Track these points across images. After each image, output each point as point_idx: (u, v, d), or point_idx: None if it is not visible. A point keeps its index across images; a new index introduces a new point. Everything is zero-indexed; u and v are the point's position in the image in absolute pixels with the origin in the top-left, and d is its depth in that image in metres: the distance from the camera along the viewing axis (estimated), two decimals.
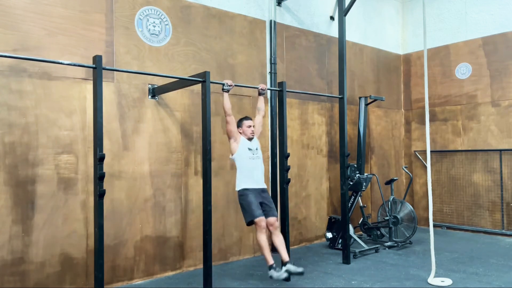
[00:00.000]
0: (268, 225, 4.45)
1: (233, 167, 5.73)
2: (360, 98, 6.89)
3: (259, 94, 4.88)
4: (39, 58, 3.80)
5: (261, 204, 4.50)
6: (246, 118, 4.74)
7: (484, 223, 7.33)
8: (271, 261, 4.34)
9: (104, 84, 3.75)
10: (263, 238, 4.35)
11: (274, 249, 4.61)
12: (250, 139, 4.64)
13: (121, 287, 4.70)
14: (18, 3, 4.17)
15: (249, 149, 4.57)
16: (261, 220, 4.37)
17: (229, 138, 4.57)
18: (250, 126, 4.66)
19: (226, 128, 4.54)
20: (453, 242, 6.74)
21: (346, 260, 5.53)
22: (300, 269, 4.29)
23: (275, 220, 4.51)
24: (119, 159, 4.76)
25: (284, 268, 4.31)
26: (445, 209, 7.84)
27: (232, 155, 4.60)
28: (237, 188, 4.56)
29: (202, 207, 4.20)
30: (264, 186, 4.64)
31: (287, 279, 4.35)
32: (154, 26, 5.09)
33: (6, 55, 3.40)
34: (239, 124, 4.69)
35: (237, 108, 5.64)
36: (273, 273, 4.30)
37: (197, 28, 5.48)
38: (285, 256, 4.39)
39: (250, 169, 4.54)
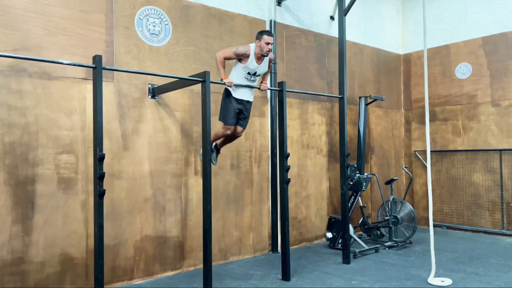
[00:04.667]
0: (234, 131, 4.77)
1: (233, 167, 5.75)
2: (360, 98, 6.89)
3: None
4: (39, 58, 3.80)
5: (239, 111, 4.66)
6: (268, 32, 4.50)
7: (484, 223, 7.33)
8: (213, 144, 4.91)
9: (104, 84, 3.75)
10: (220, 135, 4.77)
11: None
12: (260, 57, 4.52)
13: (121, 287, 4.70)
14: (18, 3, 4.16)
15: (249, 73, 4.56)
16: (227, 128, 4.68)
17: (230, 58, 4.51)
18: (269, 43, 4.45)
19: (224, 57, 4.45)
20: (453, 242, 6.73)
21: (346, 260, 5.53)
22: (216, 163, 5.08)
23: (242, 131, 4.86)
24: (119, 159, 4.76)
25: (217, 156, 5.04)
26: (445, 209, 7.83)
27: (231, 60, 4.55)
28: (225, 75, 4.54)
29: (202, 207, 4.20)
30: (251, 98, 4.73)
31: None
32: (154, 26, 5.09)
33: (6, 55, 3.40)
34: (259, 36, 4.48)
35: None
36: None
37: (197, 28, 5.48)
38: (221, 146, 5.04)
39: (241, 85, 4.58)
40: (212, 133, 4.74)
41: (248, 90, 4.68)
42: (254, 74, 4.62)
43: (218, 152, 5.05)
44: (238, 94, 4.60)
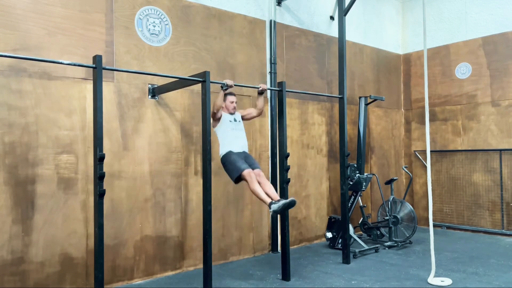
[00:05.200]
0: (255, 177, 4.48)
1: None
2: (360, 98, 6.89)
3: (259, 93, 4.91)
4: (39, 58, 3.80)
5: (244, 158, 4.62)
6: (230, 93, 4.82)
7: (484, 223, 7.33)
8: (268, 200, 4.37)
9: (104, 84, 3.75)
10: (256, 186, 4.38)
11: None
12: (231, 114, 4.78)
13: (121, 287, 4.70)
14: (18, 3, 4.16)
15: (230, 121, 4.71)
16: (249, 171, 4.42)
17: (213, 118, 4.60)
18: (233, 102, 4.79)
19: (212, 113, 4.46)
20: (453, 242, 6.74)
21: (346, 260, 5.53)
22: (291, 199, 4.30)
23: (260, 171, 4.58)
24: (119, 159, 4.76)
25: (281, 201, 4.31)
26: (445, 209, 7.84)
27: (214, 127, 4.67)
28: (220, 154, 4.66)
29: (202, 207, 4.20)
30: (246, 151, 4.74)
31: (290, 204, 4.27)
32: (154, 26, 5.09)
33: (6, 55, 3.40)
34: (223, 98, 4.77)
35: (237, 108, 5.62)
36: (274, 206, 4.29)
37: (197, 28, 5.48)
38: (276, 197, 4.43)
39: (232, 138, 4.65)
40: (254, 194, 4.45)
41: (242, 140, 4.74)
42: (235, 120, 4.79)
43: (282, 200, 4.34)
44: (236, 146, 4.64)
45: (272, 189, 4.54)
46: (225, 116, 4.71)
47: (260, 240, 6.08)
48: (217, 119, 4.67)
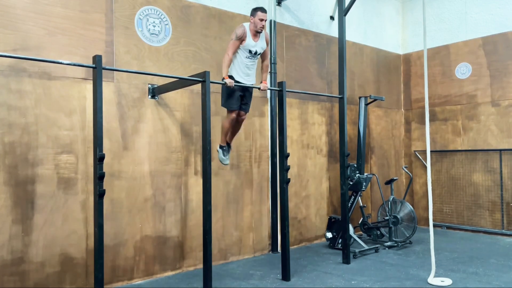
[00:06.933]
0: (238, 115, 4.85)
1: (232, 167, 5.75)
2: (360, 98, 6.89)
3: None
4: (39, 58, 3.80)
5: (241, 96, 4.78)
6: (262, 9, 4.64)
7: (484, 223, 7.33)
8: (224, 142, 5.01)
9: (104, 84, 3.75)
10: (227, 124, 4.85)
11: None
12: (256, 34, 4.64)
13: (121, 287, 4.70)
14: (18, 3, 4.16)
15: (250, 51, 4.65)
16: (235, 114, 4.80)
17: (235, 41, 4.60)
18: (262, 20, 4.60)
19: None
20: (453, 242, 6.74)
21: (346, 260, 5.53)
22: (226, 163, 5.11)
23: (244, 114, 4.94)
24: (119, 159, 4.76)
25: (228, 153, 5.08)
26: (445, 209, 7.84)
27: (230, 53, 4.66)
28: (227, 74, 4.64)
29: (202, 207, 4.20)
30: (252, 82, 4.84)
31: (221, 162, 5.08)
32: (154, 26, 5.09)
33: (6, 55, 3.40)
34: (253, 13, 4.64)
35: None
36: (221, 153, 5.02)
37: (197, 28, 5.48)
38: (230, 140, 5.08)
39: (244, 67, 4.69)
40: (222, 128, 4.96)
41: (251, 76, 4.83)
42: (255, 53, 4.71)
43: (229, 147, 5.12)
44: (241, 76, 4.72)
45: (237, 132, 5.10)
46: (249, 41, 4.59)
47: (260, 240, 6.08)
48: (239, 40, 4.55)
